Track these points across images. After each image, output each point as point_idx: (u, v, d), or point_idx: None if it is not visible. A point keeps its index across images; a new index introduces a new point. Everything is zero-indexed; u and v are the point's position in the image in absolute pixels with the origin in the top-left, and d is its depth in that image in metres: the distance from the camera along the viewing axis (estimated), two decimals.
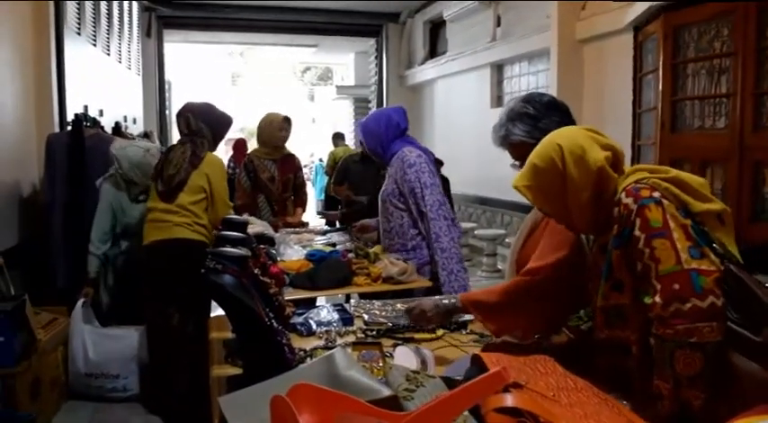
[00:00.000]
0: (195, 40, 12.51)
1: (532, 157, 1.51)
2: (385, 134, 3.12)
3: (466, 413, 1.04)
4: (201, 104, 3.63)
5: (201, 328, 3.36)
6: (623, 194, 1.39)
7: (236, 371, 1.70)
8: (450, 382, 1.28)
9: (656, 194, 1.36)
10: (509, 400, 1.07)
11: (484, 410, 1.12)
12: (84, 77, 5.36)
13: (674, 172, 1.43)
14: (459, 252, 2.98)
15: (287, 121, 4.42)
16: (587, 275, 1.57)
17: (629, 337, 1.40)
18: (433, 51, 9.26)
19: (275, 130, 4.39)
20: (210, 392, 1.64)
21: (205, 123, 3.51)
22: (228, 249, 1.49)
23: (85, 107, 5.16)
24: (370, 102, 10.92)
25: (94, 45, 5.84)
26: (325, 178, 10.30)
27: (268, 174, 4.33)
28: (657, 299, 1.29)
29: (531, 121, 1.90)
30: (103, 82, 6.17)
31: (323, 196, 12.19)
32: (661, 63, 4.54)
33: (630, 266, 1.37)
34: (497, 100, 7.41)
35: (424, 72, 9.20)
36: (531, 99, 1.95)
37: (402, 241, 3.05)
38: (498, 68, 7.49)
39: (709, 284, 1.26)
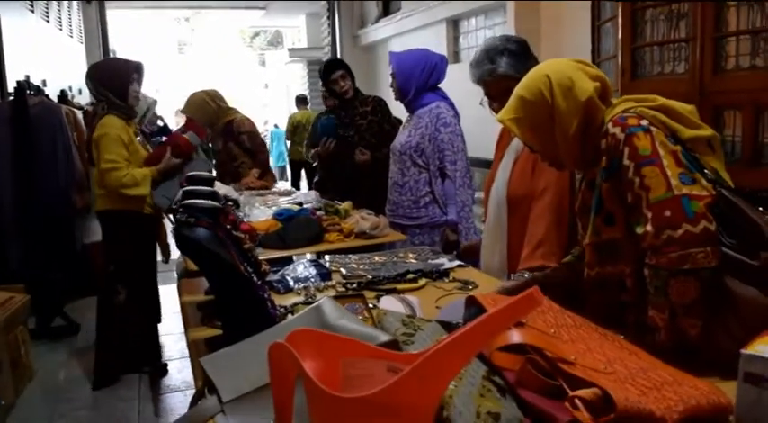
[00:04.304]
0: (138, 6, 12.01)
1: (519, 89, 1.46)
2: (424, 80, 3.01)
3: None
4: (91, 67, 3.48)
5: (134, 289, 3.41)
6: (610, 125, 1.35)
7: (215, 332, 1.62)
8: (447, 326, 1.22)
9: (644, 123, 1.32)
10: (515, 337, 1.02)
11: (488, 351, 1.07)
12: (23, 46, 5.06)
13: (661, 99, 1.39)
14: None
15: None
16: (576, 214, 1.53)
17: (623, 271, 1.36)
18: (387, 9, 9.07)
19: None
20: (190, 357, 1.56)
21: (100, 84, 3.30)
22: (200, 201, 1.39)
23: (27, 77, 4.88)
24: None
25: (32, 11, 5.51)
26: (284, 144, 10.11)
27: (205, 147, 4.16)
28: (649, 227, 1.25)
29: (515, 56, 1.91)
30: (45, 51, 5.85)
31: (281, 163, 11.99)
32: (620, 10, 4.50)
33: (621, 198, 1.33)
34: (454, 55, 7.30)
35: (378, 31, 9.01)
36: (510, 38, 1.99)
37: (414, 198, 2.98)
38: (454, 24, 7.38)
39: (701, 209, 1.23)
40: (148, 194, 3.27)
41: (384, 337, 1.06)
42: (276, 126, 14.13)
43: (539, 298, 0.70)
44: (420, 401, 0.70)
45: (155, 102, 4.10)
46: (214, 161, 4.36)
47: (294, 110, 9.90)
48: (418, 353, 0.82)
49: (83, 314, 4.51)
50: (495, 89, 1.99)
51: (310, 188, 9.02)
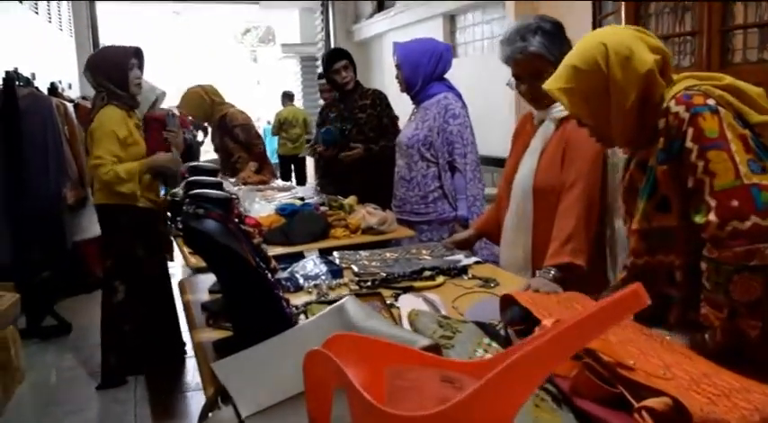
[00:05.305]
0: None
1: (571, 57, 1.33)
2: (431, 71, 2.91)
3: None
4: (89, 58, 3.33)
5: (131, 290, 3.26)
6: (672, 103, 1.23)
7: (222, 334, 1.51)
8: (484, 328, 1.12)
9: (711, 102, 1.20)
10: None
11: None
12: (12, 38, 4.91)
13: (728, 79, 1.27)
14: None
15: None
16: (621, 196, 1.43)
17: (673, 262, 1.25)
18: (381, 4, 8.96)
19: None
20: (198, 361, 1.45)
21: (100, 75, 3.17)
22: (211, 191, 1.28)
23: (15, 70, 4.74)
24: (317, 59, 10.53)
25: (21, 2, 5.36)
26: (274, 140, 10.01)
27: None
28: (712, 217, 1.14)
29: (548, 36, 1.80)
30: (34, 44, 5.69)
31: (275, 159, 11.88)
32: (623, 4, 4.42)
33: (680, 183, 1.22)
34: (452, 51, 7.22)
35: (373, 26, 8.89)
36: (545, 17, 1.88)
37: (422, 193, 2.88)
38: (451, 19, 7.27)
39: None
40: (137, 190, 3.16)
41: (424, 341, 0.95)
42: (269, 122, 14.02)
43: (644, 297, 0.59)
44: (494, 419, 0.60)
45: (163, 93, 4.01)
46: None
47: (280, 107, 9.84)
48: (488, 361, 0.71)
49: (74, 313, 4.38)
50: (525, 69, 1.87)
51: (298, 183, 8.99)
